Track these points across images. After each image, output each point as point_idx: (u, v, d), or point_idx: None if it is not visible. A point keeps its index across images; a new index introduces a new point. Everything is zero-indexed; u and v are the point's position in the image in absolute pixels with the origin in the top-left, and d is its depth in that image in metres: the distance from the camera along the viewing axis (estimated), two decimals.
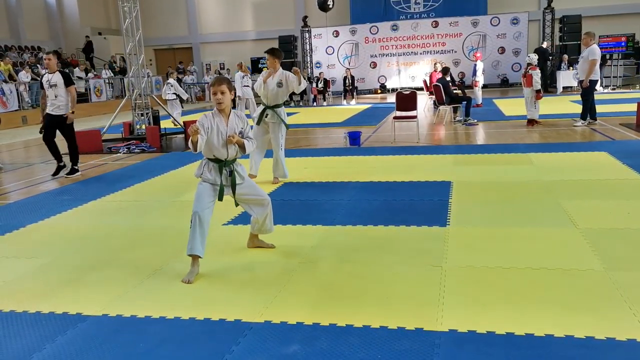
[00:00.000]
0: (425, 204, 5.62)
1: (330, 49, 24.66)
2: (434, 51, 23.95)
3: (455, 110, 12.98)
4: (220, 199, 4.05)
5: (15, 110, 17.70)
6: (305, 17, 24.18)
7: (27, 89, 18.74)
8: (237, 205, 4.21)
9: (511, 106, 15.24)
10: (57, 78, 8.04)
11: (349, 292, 3.57)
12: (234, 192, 4.08)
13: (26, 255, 4.63)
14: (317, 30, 24.43)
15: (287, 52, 23.31)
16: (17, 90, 17.88)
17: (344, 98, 20.69)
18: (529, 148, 8.52)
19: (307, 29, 24.24)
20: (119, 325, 3.25)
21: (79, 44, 25.51)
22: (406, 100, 10.52)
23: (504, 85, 23.17)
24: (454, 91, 13.48)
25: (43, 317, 3.41)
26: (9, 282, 4.04)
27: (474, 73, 16.06)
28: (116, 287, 3.83)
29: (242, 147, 4.05)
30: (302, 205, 5.84)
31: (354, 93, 20.85)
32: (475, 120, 12.20)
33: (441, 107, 13.30)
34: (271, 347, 2.90)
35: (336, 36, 24.56)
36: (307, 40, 24.40)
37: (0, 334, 3.22)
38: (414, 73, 24.11)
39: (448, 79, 13.39)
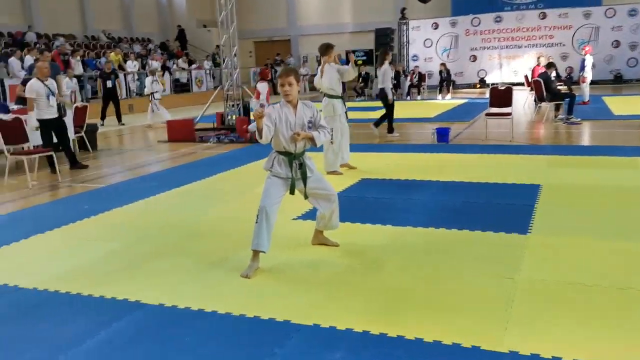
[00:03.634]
0: (507, 208, 5.24)
1: (429, 42, 24.01)
2: (540, 44, 22.62)
3: (557, 107, 12.14)
4: (292, 192, 3.98)
5: (123, 99, 18.75)
6: (404, 8, 23.71)
7: (136, 78, 19.81)
8: (306, 198, 4.11)
9: (623, 104, 14.06)
10: None
11: (407, 299, 3.36)
12: (304, 185, 3.99)
13: (104, 239, 4.82)
14: (415, 23, 23.88)
15: (384, 44, 22.97)
16: (125, 79, 18.92)
17: (439, 92, 20.09)
18: (637, 151, 7.75)
19: (404, 21, 23.75)
20: (172, 317, 3.27)
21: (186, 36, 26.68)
22: (501, 96, 9.98)
23: (617, 82, 21.44)
24: (559, 87, 12.59)
25: (104, 302, 3.50)
26: (82, 264, 4.20)
27: (582, 68, 14.93)
28: (178, 277, 3.87)
29: (311, 140, 3.95)
30: (376, 203, 5.65)
31: (450, 87, 20.17)
32: (579, 119, 11.33)
33: (543, 104, 12.50)
34: (315, 353, 2.78)
35: (435, 28, 23.87)
36: (405, 33, 23.91)
37: (63, 316, 3.34)
38: (517, 67, 22.88)
39: (554, 74, 12.53)
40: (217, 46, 25.84)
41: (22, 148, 8.01)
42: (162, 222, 5.26)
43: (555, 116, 12.08)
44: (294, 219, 5.15)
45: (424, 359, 2.67)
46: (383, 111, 10.39)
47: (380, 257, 4.11)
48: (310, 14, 27.78)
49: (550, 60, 13.96)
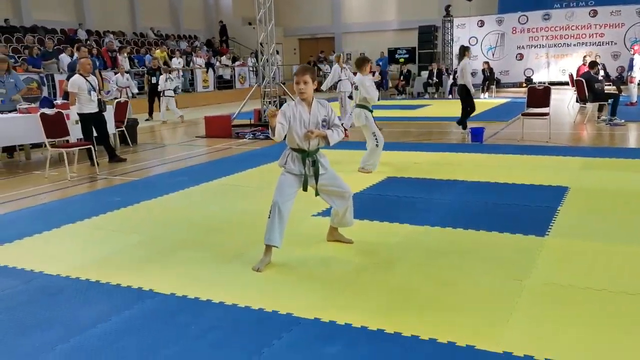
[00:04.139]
0: (529, 210, 5.16)
1: (474, 40, 23.59)
2: (590, 43, 21.92)
3: (600, 108, 11.79)
4: (305, 189, 4.05)
5: None
6: (449, 6, 23.39)
7: (180, 75, 20.24)
8: (317, 195, 4.17)
9: None
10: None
11: (411, 297, 3.39)
12: (316, 182, 4.05)
13: (128, 231, 5.01)
14: (460, 20, 23.53)
15: (427, 42, 22.78)
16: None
17: (482, 91, 19.77)
18: None
19: (449, 18, 23.44)
20: (182, 306, 3.39)
21: (231, 33, 27.09)
22: (539, 95, 9.76)
23: None
24: (605, 87, 12.19)
25: (120, 290, 3.66)
26: (104, 255, 4.39)
27: (630, 68, 14.45)
28: (193, 269, 4.00)
29: (325, 139, 4.01)
30: (397, 202, 5.66)
31: (492, 86, 19.82)
32: (622, 121, 10.97)
33: (586, 105, 12.14)
34: (311, 346, 2.85)
35: (481, 26, 23.44)
36: (449, 31, 23.60)
37: (81, 301, 3.52)
38: (565, 66, 22.21)
39: (602, 74, 12.13)
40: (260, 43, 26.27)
41: (67, 141, 8.36)
42: (185, 216, 5.43)
43: (598, 117, 11.73)
44: (313, 215, 5.22)
45: (417, 357, 2.70)
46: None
47: (392, 255, 4.13)
48: (354, 11, 27.79)
49: (596, 59, 13.54)
